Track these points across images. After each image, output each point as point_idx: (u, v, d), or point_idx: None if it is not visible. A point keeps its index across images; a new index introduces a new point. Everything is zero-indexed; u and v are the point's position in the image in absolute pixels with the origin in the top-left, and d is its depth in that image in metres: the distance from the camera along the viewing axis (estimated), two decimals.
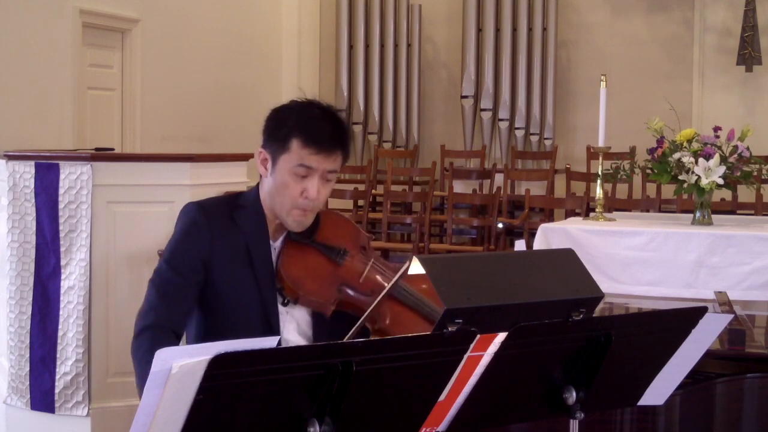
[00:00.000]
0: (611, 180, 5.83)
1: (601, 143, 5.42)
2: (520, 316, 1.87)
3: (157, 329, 2.26)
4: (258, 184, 2.45)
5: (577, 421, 2.08)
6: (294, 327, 2.37)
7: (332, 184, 2.35)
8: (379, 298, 2.23)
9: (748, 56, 8.98)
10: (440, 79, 10.50)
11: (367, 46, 10.41)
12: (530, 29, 9.92)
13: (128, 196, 4.23)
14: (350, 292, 2.34)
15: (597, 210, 5.38)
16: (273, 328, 2.31)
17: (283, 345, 2.21)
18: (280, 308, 2.35)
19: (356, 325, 2.20)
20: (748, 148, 5.09)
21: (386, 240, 8.80)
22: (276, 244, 2.40)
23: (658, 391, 2.23)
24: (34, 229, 4.23)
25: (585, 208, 7.46)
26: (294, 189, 2.29)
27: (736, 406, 2.91)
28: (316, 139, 2.29)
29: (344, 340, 2.20)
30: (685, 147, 5.06)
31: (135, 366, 2.26)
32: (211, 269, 2.32)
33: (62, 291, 4.18)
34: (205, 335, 2.37)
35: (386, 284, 2.32)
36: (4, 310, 4.36)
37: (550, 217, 8.51)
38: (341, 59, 10.39)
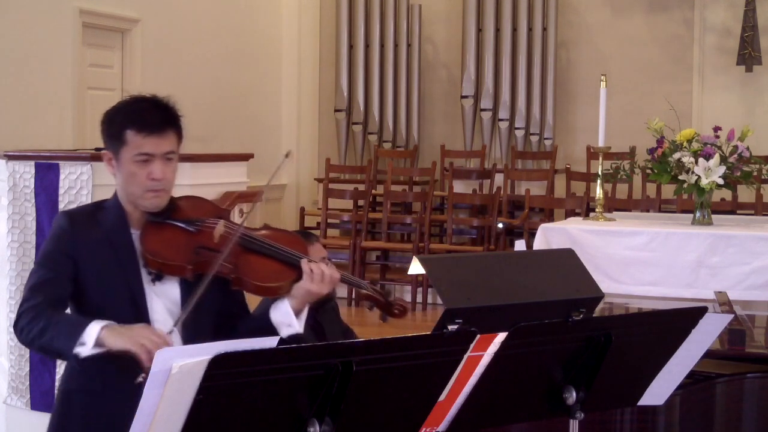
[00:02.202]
0: (611, 180, 5.83)
1: (601, 143, 5.43)
2: (520, 316, 1.87)
3: (41, 305, 2.45)
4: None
5: (577, 421, 2.08)
6: (162, 303, 2.55)
7: (175, 163, 2.57)
8: (226, 250, 2.46)
9: (748, 56, 8.97)
10: (440, 79, 10.49)
11: (367, 46, 10.40)
12: (530, 29, 9.91)
13: None
14: (207, 252, 2.53)
15: (597, 210, 5.38)
16: (139, 307, 2.51)
17: (152, 324, 2.43)
18: (149, 288, 2.55)
19: (207, 276, 2.43)
20: (748, 148, 5.09)
21: (386, 240, 8.81)
22: (139, 232, 2.60)
23: (658, 391, 2.23)
24: (34, 229, 4.22)
25: (585, 208, 7.47)
26: (140, 175, 2.52)
27: (736, 406, 2.91)
28: (147, 124, 2.54)
29: (198, 290, 2.43)
30: (685, 147, 5.06)
31: (39, 338, 2.40)
32: (79, 267, 2.52)
33: None
34: None
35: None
36: (4, 310, 4.35)
37: (550, 217, 8.51)
38: (341, 59, 10.38)
